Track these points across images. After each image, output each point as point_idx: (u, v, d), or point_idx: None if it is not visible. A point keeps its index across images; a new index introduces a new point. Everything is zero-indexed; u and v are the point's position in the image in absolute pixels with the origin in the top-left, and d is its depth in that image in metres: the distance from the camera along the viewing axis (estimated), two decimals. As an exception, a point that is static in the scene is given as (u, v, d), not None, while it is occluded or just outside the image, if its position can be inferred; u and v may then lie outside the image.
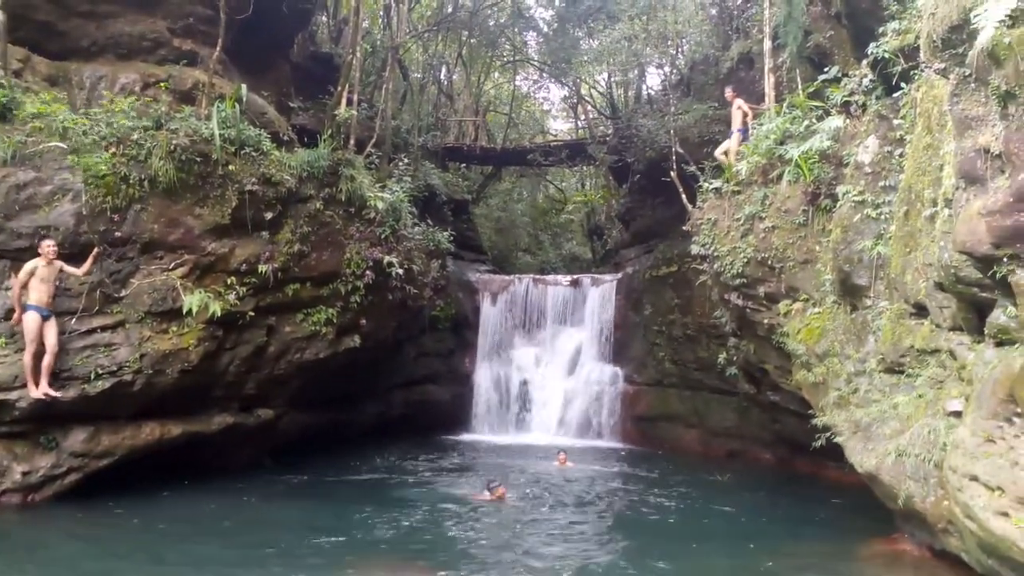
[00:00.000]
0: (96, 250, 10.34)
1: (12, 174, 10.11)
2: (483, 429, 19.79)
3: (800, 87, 12.98)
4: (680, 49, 22.48)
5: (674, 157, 17.03)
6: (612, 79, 30.11)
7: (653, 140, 19.85)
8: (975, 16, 5.59)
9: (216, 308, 10.97)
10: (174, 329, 10.87)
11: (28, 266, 9.74)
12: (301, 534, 9.05)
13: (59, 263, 9.93)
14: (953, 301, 7.15)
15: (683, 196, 15.38)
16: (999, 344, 6.39)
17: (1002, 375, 5.98)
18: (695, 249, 13.16)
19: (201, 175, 11.25)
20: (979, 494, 5.87)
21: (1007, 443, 5.82)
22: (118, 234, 10.66)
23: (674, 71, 22.59)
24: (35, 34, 12.53)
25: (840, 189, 10.21)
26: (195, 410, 11.53)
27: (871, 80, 10.56)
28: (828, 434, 9.57)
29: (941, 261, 6.80)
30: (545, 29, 28.22)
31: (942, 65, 6.59)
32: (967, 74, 6.06)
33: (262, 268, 11.71)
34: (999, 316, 6.30)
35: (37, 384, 9.58)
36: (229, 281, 11.48)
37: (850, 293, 9.86)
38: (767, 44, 14.16)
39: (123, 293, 10.68)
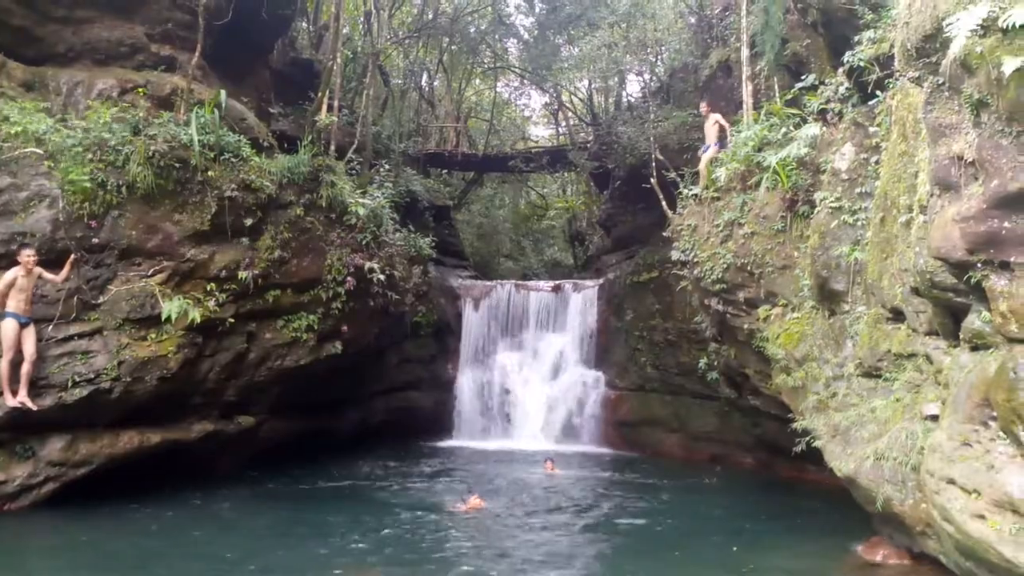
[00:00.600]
0: (73, 256, 10.24)
1: (-13, 180, 10.00)
2: (465, 435, 19.73)
3: (777, 95, 13.11)
4: (659, 57, 22.61)
5: (654, 164, 17.12)
6: (592, 86, 30.23)
7: (633, 147, 19.94)
8: (948, 25, 5.67)
9: (195, 315, 10.90)
10: (153, 336, 10.78)
11: (8, 276, 9.63)
12: (279, 542, 9.00)
13: (38, 270, 9.83)
14: (929, 306, 7.23)
15: (663, 202, 15.46)
16: (974, 348, 6.48)
17: (978, 379, 6.06)
18: (675, 255, 13.22)
19: (180, 181, 11.18)
20: (956, 497, 5.94)
21: (983, 446, 5.89)
22: (96, 240, 10.57)
23: (654, 78, 22.72)
24: (11, 39, 12.39)
25: (817, 195, 10.31)
26: (175, 418, 11.44)
27: (847, 88, 10.69)
28: (808, 438, 9.63)
29: (917, 267, 6.88)
30: (525, 36, 28.29)
31: (916, 73, 6.68)
32: (941, 82, 6.15)
33: (242, 274, 11.65)
34: (974, 321, 6.39)
35: (14, 392, 9.46)
36: (209, 288, 11.40)
37: (828, 298, 9.95)
38: (745, 52, 14.28)
39: (101, 300, 10.58)
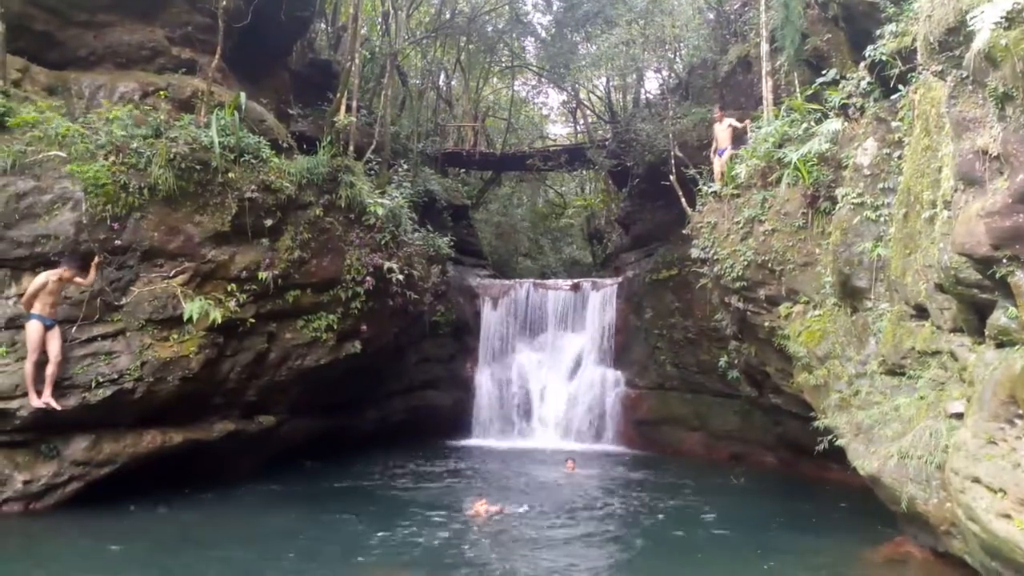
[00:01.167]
0: (97, 259, 10.34)
1: (12, 183, 10.14)
2: (484, 434, 19.75)
3: (798, 90, 13.00)
4: (678, 53, 22.50)
5: (673, 161, 17.05)
6: (611, 84, 30.15)
7: (652, 144, 19.87)
8: (971, 18, 5.59)
9: (216, 315, 10.97)
10: (175, 337, 10.86)
11: (39, 280, 9.74)
12: (299, 542, 9.04)
13: (70, 273, 9.96)
14: (953, 303, 7.14)
15: (683, 200, 15.40)
16: (1000, 345, 6.39)
17: (1003, 376, 5.97)
18: (695, 252, 13.16)
19: (201, 183, 11.27)
20: (981, 496, 5.86)
21: (1009, 445, 5.80)
22: (118, 242, 10.67)
23: (672, 75, 22.62)
24: (34, 44, 12.55)
25: (839, 191, 10.22)
26: (196, 417, 11.53)
27: (869, 82, 10.58)
28: (830, 436, 9.55)
29: (941, 263, 6.79)
30: (543, 34, 28.26)
31: (939, 67, 6.59)
32: (964, 76, 6.06)
33: (262, 275, 11.72)
34: (999, 317, 6.30)
35: (38, 393, 9.58)
36: (229, 288, 11.48)
37: (850, 295, 9.85)
38: (764, 47, 14.19)
39: (123, 301, 10.68)
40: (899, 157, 9.40)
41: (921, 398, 7.88)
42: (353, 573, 7.96)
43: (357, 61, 16.48)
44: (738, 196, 12.27)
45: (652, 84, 27.86)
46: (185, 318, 10.79)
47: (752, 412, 16.06)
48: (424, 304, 15.70)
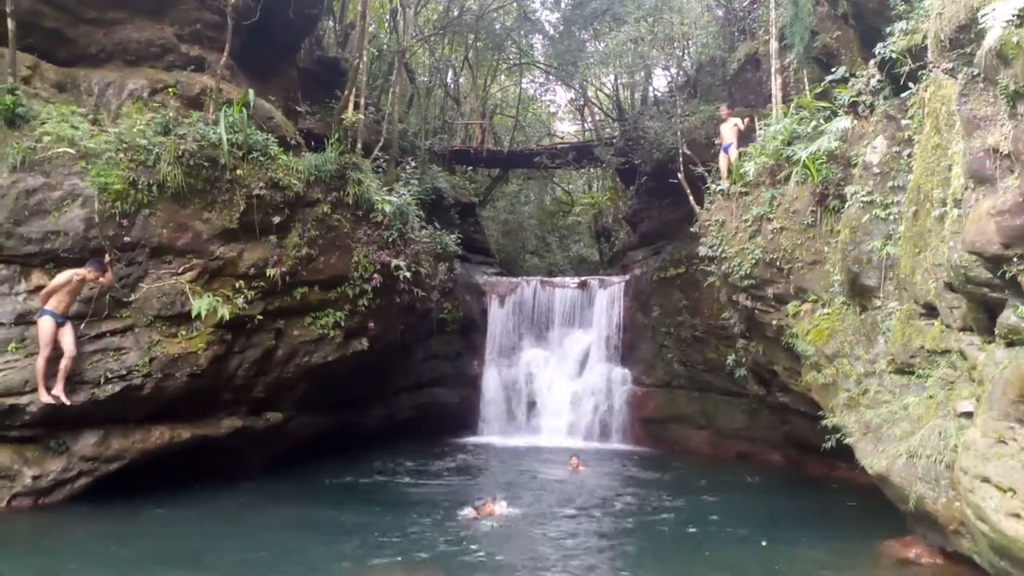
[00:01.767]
0: (108, 256, 10.39)
1: (22, 180, 10.20)
2: (491, 432, 19.76)
3: (807, 88, 12.95)
4: (686, 51, 22.44)
5: (681, 159, 17.00)
6: (618, 81, 30.09)
7: (660, 142, 19.82)
8: (983, 15, 5.56)
9: (224, 312, 11.01)
10: (183, 333, 10.91)
11: (62, 278, 9.80)
12: (307, 538, 9.06)
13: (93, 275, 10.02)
14: (963, 301, 7.11)
15: (690, 197, 15.35)
16: (1010, 344, 6.36)
17: (1013, 375, 5.94)
18: (703, 250, 13.13)
19: (209, 180, 11.30)
20: (991, 496, 5.83)
21: (1019, 444, 5.78)
22: (127, 239, 10.72)
23: (680, 73, 22.56)
24: (44, 41, 12.61)
25: (848, 190, 10.19)
26: (204, 414, 11.58)
27: (879, 80, 10.53)
28: (838, 435, 9.53)
29: (951, 261, 6.76)
30: (551, 32, 28.22)
31: (950, 65, 6.57)
32: (975, 74, 6.04)
33: (270, 272, 11.75)
34: (1009, 316, 6.27)
35: (48, 388, 9.63)
36: (237, 285, 11.52)
37: (859, 294, 9.82)
38: (773, 45, 14.13)
39: (132, 297, 10.74)
40: (909, 155, 9.36)
41: (930, 397, 7.85)
42: (355, 573, 7.96)
43: (365, 58, 16.49)
44: (746, 194, 12.24)
45: (660, 82, 27.85)
46: (193, 315, 10.83)
47: (759, 411, 16.03)
48: (431, 301, 15.71)
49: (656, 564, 8.68)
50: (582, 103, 33.25)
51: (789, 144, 11.69)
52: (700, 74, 21.14)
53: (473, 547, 8.93)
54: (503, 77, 34.67)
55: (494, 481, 13.71)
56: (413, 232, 14.60)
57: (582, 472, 14.27)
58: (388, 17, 25.03)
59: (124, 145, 10.78)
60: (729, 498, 12.13)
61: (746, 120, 14.41)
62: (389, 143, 17.86)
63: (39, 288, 10.05)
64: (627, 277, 21.35)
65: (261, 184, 11.69)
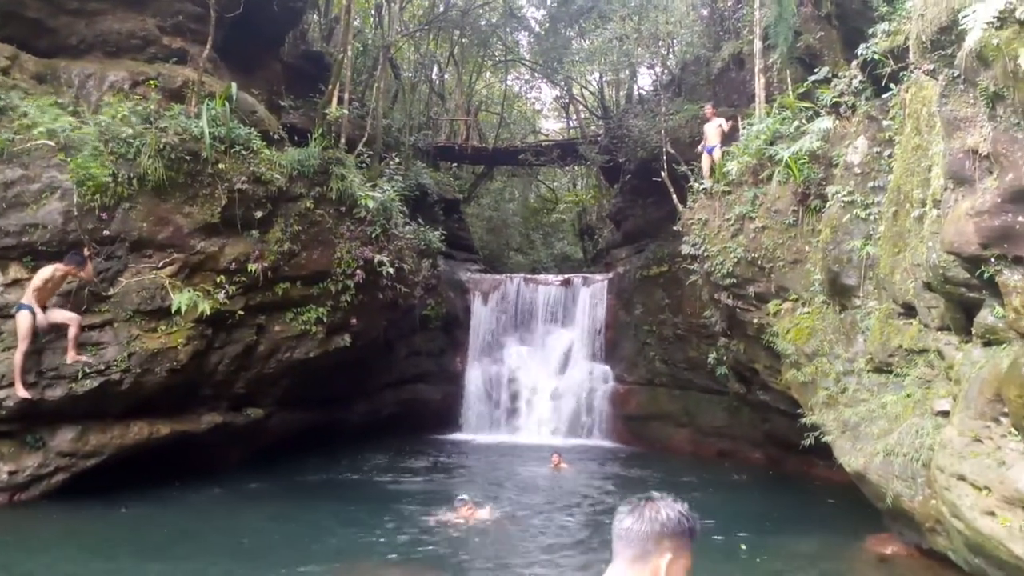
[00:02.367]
0: (87, 250, 10.27)
1: (0, 172, 10.04)
2: (473, 428, 19.75)
3: (790, 88, 13.02)
4: (671, 49, 22.49)
5: (665, 157, 17.04)
6: (603, 79, 30.15)
7: (644, 140, 19.87)
8: (963, 17, 5.61)
9: (205, 307, 10.92)
10: (163, 328, 10.81)
11: (45, 273, 9.69)
12: (279, 538, 9.01)
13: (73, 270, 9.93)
14: (941, 301, 7.18)
15: (674, 196, 15.39)
16: (987, 344, 6.43)
17: (989, 375, 6.01)
18: (686, 249, 13.17)
19: (191, 173, 11.20)
20: (966, 493, 5.90)
21: (994, 443, 5.85)
22: (106, 233, 10.60)
23: (665, 71, 22.61)
24: (24, 31, 12.41)
25: (830, 190, 10.25)
26: (184, 409, 11.49)
27: (861, 81, 10.61)
28: (817, 433, 9.60)
29: (929, 261, 6.82)
30: (537, 29, 28.23)
31: (931, 66, 6.62)
32: (956, 75, 6.08)
33: (252, 267, 11.67)
34: (987, 316, 6.33)
35: (25, 383, 9.52)
36: (218, 280, 11.43)
37: (839, 293, 9.89)
38: (757, 45, 14.19)
39: (111, 292, 10.62)
40: (889, 156, 9.44)
41: (908, 396, 7.92)
42: (339, 569, 7.93)
43: (349, 53, 16.40)
44: (729, 193, 12.29)
45: (645, 80, 27.92)
46: (173, 309, 10.74)
47: (740, 409, 16.12)
48: (414, 298, 15.66)
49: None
50: (567, 101, 33.27)
51: (772, 144, 11.75)
52: (685, 73, 21.21)
53: (450, 547, 8.90)
54: (488, 74, 34.62)
55: (476, 479, 13.70)
56: (397, 228, 14.55)
57: (564, 470, 14.28)
58: (373, 12, 24.91)
59: (105, 137, 10.66)
60: (709, 496, 12.18)
61: (729, 122, 14.48)
62: (373, 138, 17.78)
63: (16, 282, 9.92)
64: (610, 275, 21.40)
65: (243, 178, 11.60)
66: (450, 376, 20.39)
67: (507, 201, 35.96)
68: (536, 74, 32.34)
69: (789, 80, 13.57)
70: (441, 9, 26.41)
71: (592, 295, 21.00)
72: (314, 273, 12.72)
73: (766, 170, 11.67)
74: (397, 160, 17.63)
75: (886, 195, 9.00)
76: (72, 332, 9.83)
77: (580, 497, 12.04)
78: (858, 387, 9.06)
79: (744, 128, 13.37)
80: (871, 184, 9.64)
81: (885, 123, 9.68)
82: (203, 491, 11.10)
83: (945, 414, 6.86)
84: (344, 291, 13.02)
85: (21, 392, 9.45)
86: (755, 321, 11.79)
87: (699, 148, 15.11)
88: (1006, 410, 5.78)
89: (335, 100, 14.51)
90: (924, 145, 7.83)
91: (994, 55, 5.47)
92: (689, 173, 14.29)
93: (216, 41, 13.20)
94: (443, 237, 17.45)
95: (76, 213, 10.27)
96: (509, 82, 34.67)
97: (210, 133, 11.29)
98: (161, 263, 11.04)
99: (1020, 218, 5.56)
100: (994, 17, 5.38)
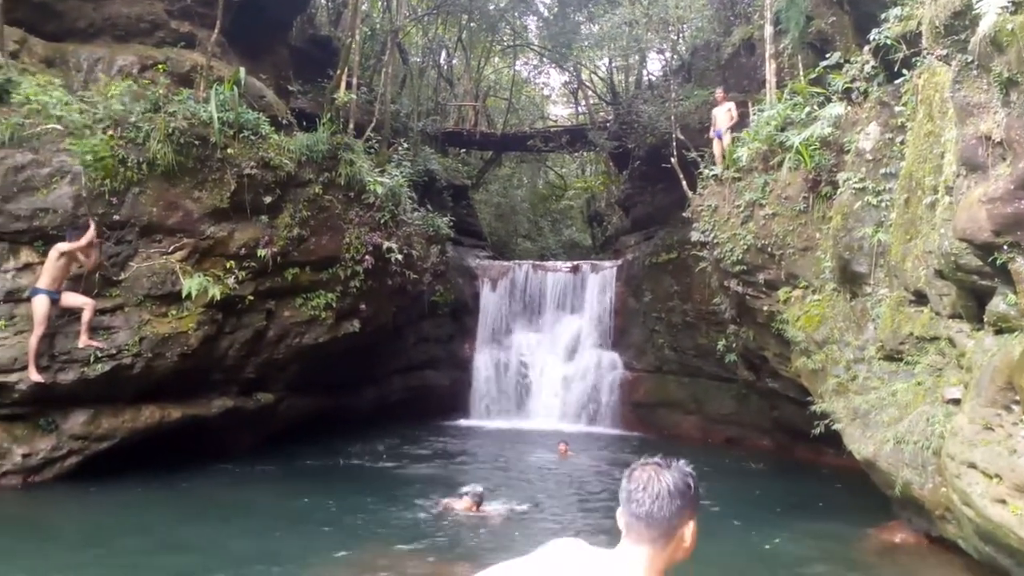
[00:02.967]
0: (94, 230, 10.28)
1: (10, 156, 10.07)
2: (481, 415, 19.80)
3: (801, 73, 12.92)
4: (681, 34, 22.35)
5: (675, 143, 16.96)
6: (613, 64, 29.94)
7: (654, 126, 19.77)
8: (978, 2, 5.55)
9: (215, 292, 10.95)
10: (173, 313, 10.86)
11: (53, 255, 9.69)
12: (298, 522, 9.07)
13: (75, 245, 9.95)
14: (953, 289, 7.14)
15: (683, 182, 15.33)
16: (998, 332, 6.39)
17: (1001, 363, 5.98)
18: (695, 236, 13.14)
19: (199, 158, 11.20)
20: (977, 481, 5.89)
21: (1005, 430, 5.83)
22: (116, 217, 10.62)
23: (675, 57, 22.47)
24: (32, 15, 12.42)
25: (841, 176, 10.19)
26: (195, 394, 11.55)
27: (873, 66, 10.51)
28: (827, 421, 9.58)
29: (941, 249, 6.78)
30: (545, 13, 28.03)
31: (944, 51, 6.55)
32: (969, 60, 6.02)
33: (261, 252, 11.69)
34: (999, 304, 6.30)
35: (38, 367, 9.59)
36: (228, 265, 11.46)
37: (850, 280, 9.85)
38: (768, 30, 14.08)
39: (122, 276, 10.66)
40: (901, 142, 9.37)
41: (918, 384, 7.90)
42: (349, 556, 7.97)
43: (357, 38, 16.34)
44: (739, 179, 12.23)
45: (654, 65, 27.75)
46: (184, 294, 10.77)
47: (749, 396, 16.11)
48: (423, 284, 15.68)
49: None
50: (576, 86, 33.08)
51: (782, 130, 11.67)
52: (694, 58, 21.07)
53: (456, 534, 8.91)
54: (497, 59, 34.43)
55: (483, 466, 13.73)
56: (405, 214, 14.54)
57: (571, 457, 14.31)
58: (381, -4, 24.79)
59: (113, 121, 10.66)
60: (718, 483, 12.14)
61: (739, 109, 14.37)
62: (381, 124, 17.74)
63: (27, 266, 9.97)
64: (619, 262, 21.36)
65: (252, 163, 11.60)
66: (458, 362, 20.43)
67: (515, 187, 35.87)
68: (545, 59, 32.15)
69: (800, 65, 13.47)
70: (449, -7, 26.25)
71: (601, 282, 20.97)
72: (323, 259, 12.74)
73: (777, 156, 11.60)
74: (405, 146, 17.63)
75: (898, 182, 8.94)
76: (86, 316, 9.88)
77: (588, 485, 12.07)
78: (868, 375, 9.04)
79: (755, 114, 13.28)
80: (883, 171, 9.57)
81: (897, 109, 9.59)
82: (214, 476, 11.17)
83: (956, 402, 6.84)
84: (353, 277, 13.04)
85: (34, 376, 9.52)
86: (765, 308, 11.75)
87: (709, 134, 15.03)
88: (1017, 398, 5.76)
89: (343, 85, 14.48)
90: (937, 131, 7.77)
91: (1008, 40, 5.41)
92: (699, 159, 14.23)
93: (224, 25, 13.18)
94: (451, 223, 17.46)
95: (86, 197, 10.30)
96: (518, 67, 34.49)
97: (219, 118, 11.28)
98: (171, 248, 11.06)
99: (1034, 205, 5.51)
100: (1009, 1, 5.32)
